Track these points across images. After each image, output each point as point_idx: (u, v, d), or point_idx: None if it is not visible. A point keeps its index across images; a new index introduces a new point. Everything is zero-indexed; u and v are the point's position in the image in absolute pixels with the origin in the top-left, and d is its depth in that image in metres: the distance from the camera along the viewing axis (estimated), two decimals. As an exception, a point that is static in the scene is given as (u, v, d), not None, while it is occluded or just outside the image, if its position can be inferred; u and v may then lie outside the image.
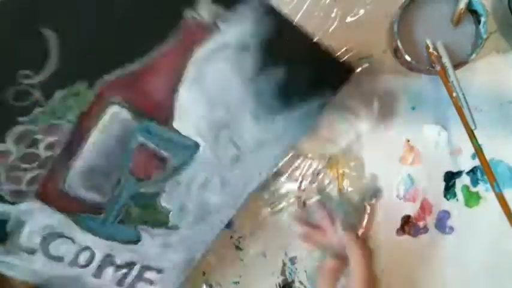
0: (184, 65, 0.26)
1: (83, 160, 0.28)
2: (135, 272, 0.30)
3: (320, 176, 0.34)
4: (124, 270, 0.30)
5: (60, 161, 0.28)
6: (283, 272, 0.36)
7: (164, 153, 0.27)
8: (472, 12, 0.29)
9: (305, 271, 0.35)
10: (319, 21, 0.32)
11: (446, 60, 0.28)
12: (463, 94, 0.28)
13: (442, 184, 0.33)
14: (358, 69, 0.32)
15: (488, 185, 0.32)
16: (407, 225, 0.33)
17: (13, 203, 0.27)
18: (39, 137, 0.26)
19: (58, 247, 0.29)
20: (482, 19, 0.28)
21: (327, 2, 0.32)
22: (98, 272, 0.30)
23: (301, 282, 0.36)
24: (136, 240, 0.29)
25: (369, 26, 0.32)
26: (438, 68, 0.28)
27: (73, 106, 0.27)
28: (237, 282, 0.37)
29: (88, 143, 0.28)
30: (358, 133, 0.33)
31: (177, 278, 0.31)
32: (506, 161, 0.32)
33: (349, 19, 0.32)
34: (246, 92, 0.27)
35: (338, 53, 0.33)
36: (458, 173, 0.33)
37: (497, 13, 0.31)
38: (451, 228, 0.33)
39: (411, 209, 0.33)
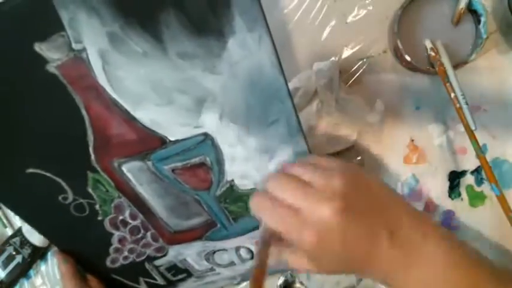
0: (97, 91, 0.25)
1: (157, 208, 0.32)
2: None
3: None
4: None
5: (148, 221, 0.33)
6: (284, 273, 0.38)
7: (195, 160, 0.29)
8: (472, 12, 0.31)
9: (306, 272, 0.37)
10: (320, 21, 0.35)
11: (445, 60, 0.30)
12: (463, 94, 0.29)
13: (447, 184, 0.35)
14: (360, 70, 0.35)
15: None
16: (411, 225, 0.35)
17: (164, 255, 0.36)
18: (122, 218, 0.33)
19: (221, 257, 0.35)
20: (482, 19, 0.30)
21: (327, 1, 0.34)
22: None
23: (301, 283, 0.37)
24: None
25: (369, 26, 0.34)
26: (437, 69, 0.30)
27: (105, 189, 0.31)
28: (238, 283, 0.39)
29: (143, 198, 0.31)
30: (360, 133, 0.35)
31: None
32: (511, 161, 0.34)
33: (349, 19, 0.34)
34: (157, 56, 0.24)
35: (338, 53, 0.35)
36: (463, 173, 0.34)
37: (497, 13, 0.33)
38: (456, 228, 0.35)
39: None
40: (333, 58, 0.35)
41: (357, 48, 0.35)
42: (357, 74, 0.35)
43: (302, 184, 0.22)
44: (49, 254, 0.41)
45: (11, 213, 0.42)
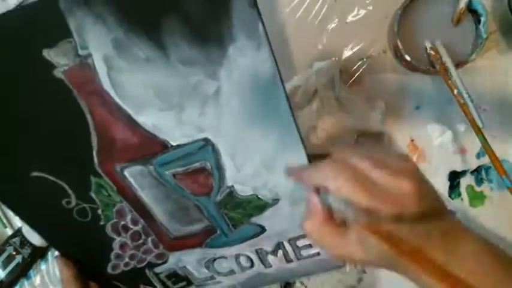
0: (102, 96, 0.26)
1: (158, 213, 0.32)
2: (289, 247, 0.34)
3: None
4: (280, 251, 0.35)
5: (149, 226, 0.33)
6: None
7: (196, 165, 0.29)
8: (472, 12, 0.31)
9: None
10: (320, 21, 0.35)
11: (446, 59, 0.30)
12: (467, 92, 0.30)
13: (447, 183, 0.35)
14: (360, 70, 0.35)
15: (493, 185, 0.35)
16: (411, 225, 0.35)
17: (164, 262, 0.36)
18: (123, 223, 0.33)
19: (221, 265, 0.36)
20: (482, 19, 0.30)
21: (327, 1, 0.35)
22: (266, 264, 0.36)
23: (302, 283, 0.38)
24: (263, 230, 0.33)
25: (369, 26, 0.34)
26: (438, 67, 0.31)
27: (107, 193, 0.31)
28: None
29: (145, 202, 0.32)
30: (360, 133, 0.35)
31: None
32: (511, 160, 0.34)
33: (349, 19, 0.35)
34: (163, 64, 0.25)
35: (338, 53, 0.35)
36: (463, 173, 0.35)
37: (497, 13, 0.33)
38: (456, 228, 0.35)
39: (415, 209, 0.35)
40: (333, 58, 0.35)
41: (357, 48, 0.35)
42: (357, 74, 0.35)
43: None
44: (49, 253, 0.42)
45: (11, 213, 0.42)
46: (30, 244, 0.39)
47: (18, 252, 0.39)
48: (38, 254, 0.40)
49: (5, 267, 0.38)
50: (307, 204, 0.25)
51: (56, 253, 0.41)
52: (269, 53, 0.24)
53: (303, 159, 0.29)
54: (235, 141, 0.28)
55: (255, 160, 0.29)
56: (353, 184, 0.21)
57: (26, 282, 0.42)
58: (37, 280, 0.42)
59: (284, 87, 0.26)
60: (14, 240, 0.39)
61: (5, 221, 0.42)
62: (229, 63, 0.25)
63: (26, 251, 0.38)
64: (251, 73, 0.25)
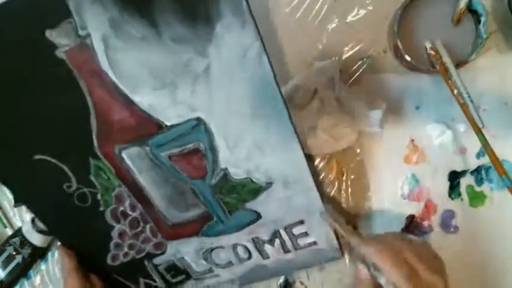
0: (100, 75, 0.27)
1: (156, 198, 0.33)
2: (285, 236, 0.35)
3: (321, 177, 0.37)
4: (277, 240, 0.35)
5: (147, 212, 0.34)
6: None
7: (190, 146, 0.30)
8: (472, 12, 0.31)
9: (306, 272, 0.38)
10: (320, 21, 0.35)
11: (446, 59, 0.30)
12: (467, 92, 0.30)
13: (447, 183, 0.35)
14: (360, 70, 0.35)
15: (493, 185, 0.35)
16: (412, 224, 0.35)
17: (162, 253, 0.36)
18: (122, 209, 0.34)
19: (218, 256, 0.36)
20: (482, 19, 0.30)
21: (327, 1, 0.35)
22: (263, 254, 0.36)
23: (301, 283, 0.38)
24: (258, 216, 0.33)
25: (368, 26, 0.34)
26: (438, 67, 0.31)
27: (106, 176, 0.32)
28: None
29: (142, 187, 0.32)
30: (360, 133, 0.35)
31: (320, 215, 0.33)
32: (511, 160, 0.34)
33: (349, 19, 0.35)
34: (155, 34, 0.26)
35: (338, 53, 0.35)
36: (463, 173, 0.35)
37: (497, 13, 0.33)
38: (456, 228, 0.35)
39: (416, 208, 0.35)
40: (333, 58, 0.35)
41: (357, 48, 0.35)
42: (357, 74, 0.35)
43: None
44: (49, 254, 0.42)
45: (11, 213, 0.42)
46: (30, 244, 0.39)
47: (18, 252, 0.39)
48: (38, 254, 0.40)
49: (5, 267, 0.38)
50: (356, 273, 0.29)
51: (56, 253, 0.41)
52: (254, 31, 0.25)
53: (294, 142, 0.29)
54: (226, 121, 0.29)
55: (247, 141, 0.30)
56: (400, 273, 0.26)
57: (26, 282, 0.42)
58: (37, 280, 0.42)
59: (272, 68, 0.27)
60: (14, 240, 0.39)
61: (5, 221, 0.42)
62: (217, 40, 0.26)
63: (26, 251, 0.39)
64: (238, 51, 0.26)
